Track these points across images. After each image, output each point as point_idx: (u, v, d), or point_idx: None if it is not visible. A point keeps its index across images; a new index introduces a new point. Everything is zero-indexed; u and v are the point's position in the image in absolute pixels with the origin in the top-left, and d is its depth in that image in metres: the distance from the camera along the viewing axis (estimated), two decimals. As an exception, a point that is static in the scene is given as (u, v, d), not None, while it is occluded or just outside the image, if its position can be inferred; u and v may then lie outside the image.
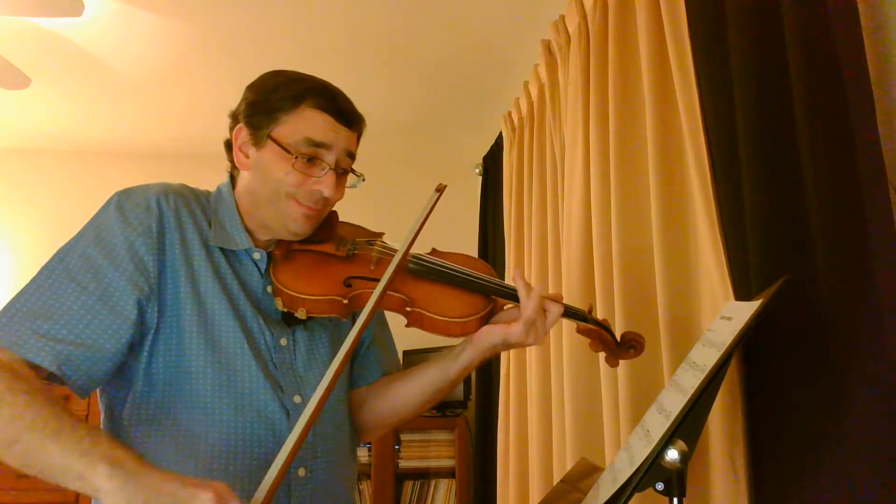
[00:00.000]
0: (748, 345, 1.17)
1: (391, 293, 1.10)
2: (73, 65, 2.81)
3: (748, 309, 0.94)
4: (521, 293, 1.10)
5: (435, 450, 3.48)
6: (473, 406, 3.59)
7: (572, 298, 1.92)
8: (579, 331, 1.20)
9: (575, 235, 1.95)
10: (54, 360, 0.92)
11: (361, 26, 2.53)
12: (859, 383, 0.94)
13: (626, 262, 1.64)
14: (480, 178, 3.70)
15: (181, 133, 3.56)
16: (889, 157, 0.93)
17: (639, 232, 1.63)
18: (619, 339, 1.19)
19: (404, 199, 3.12)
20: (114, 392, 1.04)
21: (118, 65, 2.82)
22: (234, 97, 1.17)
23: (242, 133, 1.11)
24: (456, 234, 3.43)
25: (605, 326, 1.18)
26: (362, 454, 3.42)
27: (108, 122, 3.45)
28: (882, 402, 0.90)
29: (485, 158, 3.66)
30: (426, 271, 1.14)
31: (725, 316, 1.03)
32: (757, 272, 1.17)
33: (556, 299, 1.13)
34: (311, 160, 1.08)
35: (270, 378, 1.05)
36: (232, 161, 1.16)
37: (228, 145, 1.15)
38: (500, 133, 3.25)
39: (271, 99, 1.09)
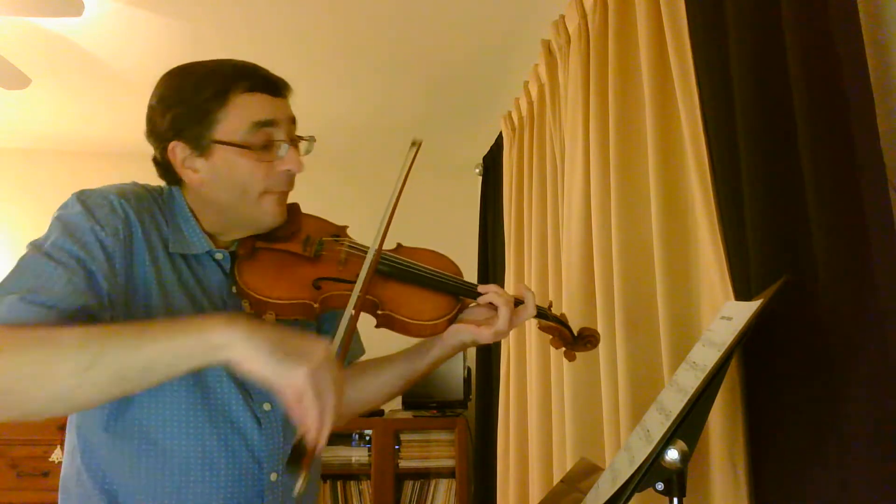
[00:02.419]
0: (748, 345, 1.17)
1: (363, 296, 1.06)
2: (73, 65, 2.80)
3: (748, 309, 0.94)
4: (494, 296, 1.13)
5: (435, 450, 3.48)
6: (473, 406, 3.59)
7: (572, 299, 1.92)
8: (541, 328, 1.24)
9: (575, 235, 1.95)
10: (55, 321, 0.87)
11: (361, 27, 2.52)
12: (859, 383, 0.94)
13: (626, 261, 1.64)
14: (480, 178, 3.70)
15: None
16: (889, 157, 0.93)
17: (639, 232, 1.63)
18: (576, 333, 1.25)
19: (404, 199, 3.12)
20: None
21: (118, 65, 2.82)
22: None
23: (179, 149, 1.04)
24: (456, 234, 3.45)
25: (564, 323, 1.23)
26: (362, 454, 3.42)
27: (108, 122, 3.44)
28: (882, 402, 0.90)
29: (485, 158, 3.66)
30: (396, 272, 1.12)
31: (725, 316, 1.03)
32: (757, 272, 1.17)
33: (520, 299, 1.18)
34: (267, 145, 1.04)
35: (240, 386, 1.03)
36: (169, 178, 1.10)
37: (161, 164, 1.09)
38: (500, 133, 3.25)
39: (196, 103, 1.03)
